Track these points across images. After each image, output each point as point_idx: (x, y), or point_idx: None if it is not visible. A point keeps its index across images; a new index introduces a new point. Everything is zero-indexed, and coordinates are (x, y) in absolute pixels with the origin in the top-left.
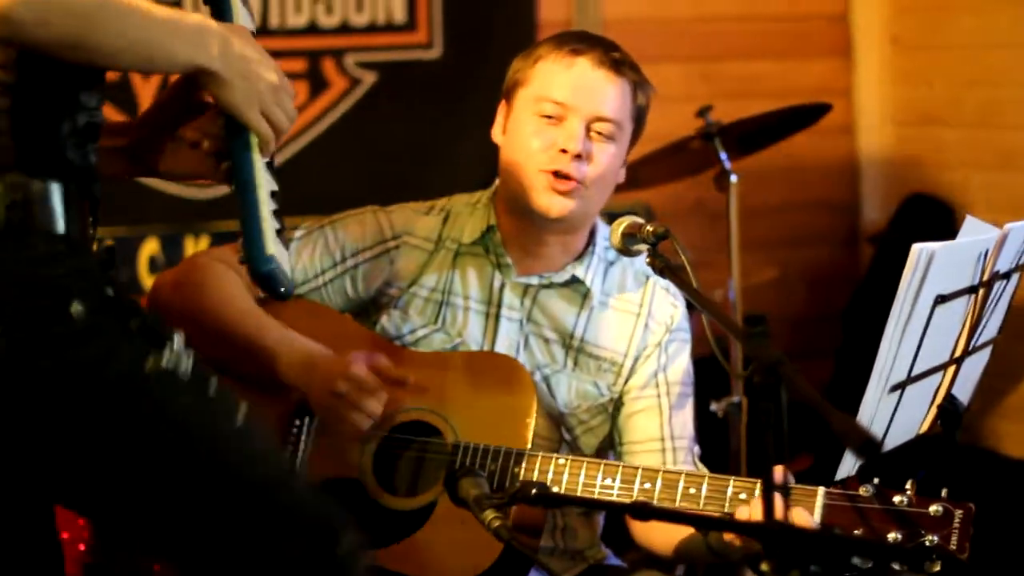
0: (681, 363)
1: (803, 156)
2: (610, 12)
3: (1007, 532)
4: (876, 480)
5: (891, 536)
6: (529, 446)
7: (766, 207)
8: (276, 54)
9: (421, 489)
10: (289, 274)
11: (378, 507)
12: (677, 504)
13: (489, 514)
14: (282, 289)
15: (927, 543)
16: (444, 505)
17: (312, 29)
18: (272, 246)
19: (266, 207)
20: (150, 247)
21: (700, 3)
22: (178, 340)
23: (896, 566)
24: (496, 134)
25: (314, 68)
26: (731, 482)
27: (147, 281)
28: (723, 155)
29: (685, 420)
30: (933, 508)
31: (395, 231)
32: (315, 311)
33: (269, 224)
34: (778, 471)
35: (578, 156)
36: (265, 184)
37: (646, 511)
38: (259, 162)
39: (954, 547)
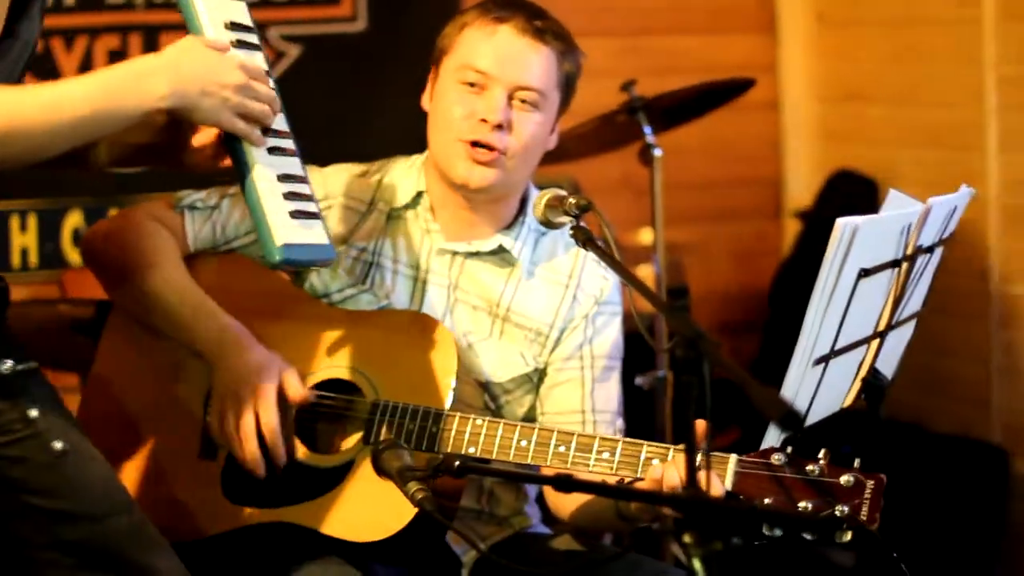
0: (608, 336)
1: (728, 132)
2: None
3: (931, 506)
4: (790, 449)
5: (802, 505)
6: (448, 406)
7: (691, 182)
8: (165, 27)
9: (340, 447)
10: (323, 243)
11: (297, 463)
12: (591, 467)
13: (412, 486)
14: (309, 264)
15: (837, 513)
16: (362, 464)
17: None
18: (282, 236)
19: (270, 198)
20: (74, 219)
21: None
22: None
23: (807, 535)
24: (424, 101)
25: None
26: (644, 447)
27: (71, 253)
28: (647, 129)
29: (608, 394)
30: (844, 478)
31: (328, 190)
32: (244, 267)
33: (275, 214)
34: (700, 427)
35: (499, 126)
36: (266, 174)
37: (568, 483)
38: (253, 155)
39: (864, 517)
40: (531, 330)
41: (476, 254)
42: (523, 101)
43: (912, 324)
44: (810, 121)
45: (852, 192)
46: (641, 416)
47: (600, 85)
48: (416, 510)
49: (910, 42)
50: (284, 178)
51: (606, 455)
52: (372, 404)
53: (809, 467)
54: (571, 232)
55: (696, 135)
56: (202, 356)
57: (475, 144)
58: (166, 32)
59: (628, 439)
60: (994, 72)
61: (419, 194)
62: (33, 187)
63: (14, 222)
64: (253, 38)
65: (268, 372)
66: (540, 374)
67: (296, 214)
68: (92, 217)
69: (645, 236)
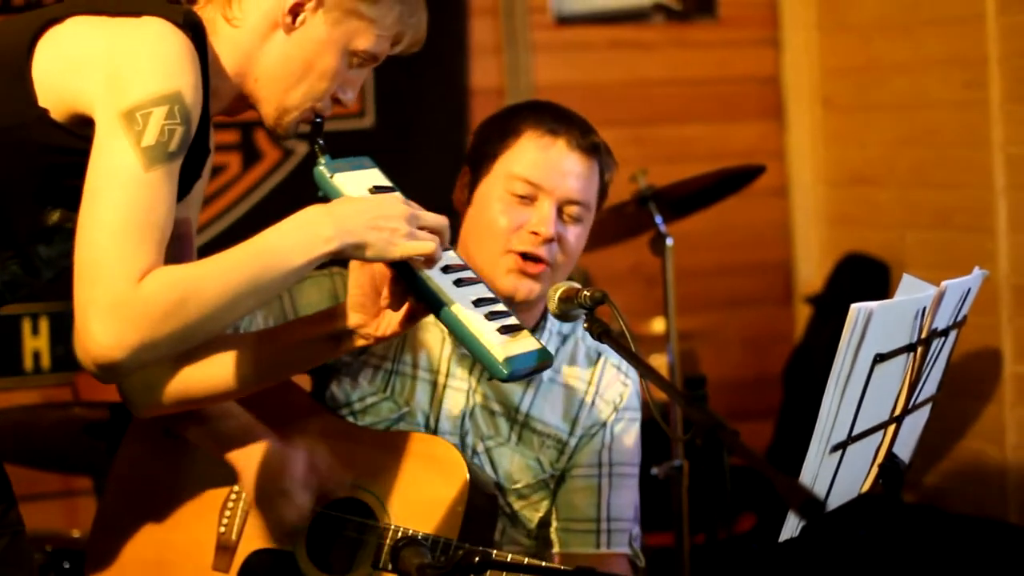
0: (626, 442)
1: (737, 219)
2: (541, 78)
3: None
4: None
5: None
6: (457, 537)
7: (701, 270)
8: None
9: (351, 569)
10: (538, 347)
11: None
12: None
13: None
14: (535, 371)
15: None
16: None
17: None
18: (501, 351)
19: (474, 319)
20: None
21: (631, 68)
22: None
23: None
24: (458, 200)
25: (247, 139)
26: None
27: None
28: (658, 218)
29: (625, 502)
30: None
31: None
32: None
33: (486, 333)
34: None
35: (549, 239)
36: (459, 298)
37: None
38: (439, 281)
39: None
40: (549, 436)
41: None
42: (570, 216)
43: (928, 407)
44: (819, 206)
45: (862, 275)
46: (657, 506)
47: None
48: None
49: (917, 125)
50: (478, 302)
51: None
52: (384, 528)
53: None
54: (585, 325)
55: (705, 223)
56: (225, 457)
57: (524, 256)
58: None
59: None
60: (1002, 152)
61: None
62: (44, 290)
63: (26, 325)
64: (398, 195)
65: (297, 454)
66: (556, 480)
67: (504, 329)
68: None
69: (658, 325)
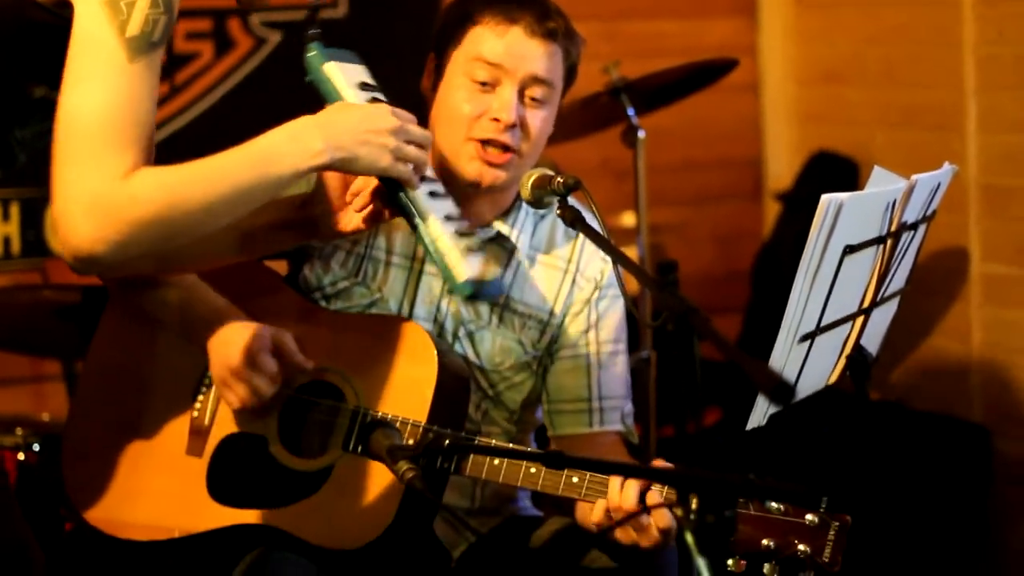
0: (611, 320)
1: (708, 115)
2: None
3: (913, 485)
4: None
5: (764, 543)
6: (426, 419)
7: (671, 165)
8: (181, 13)
9: (321, 451)
10: (497, 277)
11: (278, 466)
12: (560, 491)
13: (402, 465)
14: (489, 297)
15: (799, 553)
16: (341, 470)
17: None
18: (464, 271)
19: (444, 237)
20: None
21: None
22: None
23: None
24: (425, 86)
25: (219, 27)
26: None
27: (52, 241)
28: (630, 111)
29: (614, 379)
30: (809, 517)
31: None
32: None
33: (452, 252)
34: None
35: (512, 125)
36: (434, 214)
37: (560, 460)
38: (420, 200)
39: (826, 559)
40: (531, 317)
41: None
42: (533, 99)
43: (896, 301)
44: (789, 103)
45: (831, 173)
46: None
47: (581, 68)
48: (392, 518)
49: (889, 23)
50: (448, 219)
51: (576, 480)
52: (353, 411)
53: (773, 505)
54: (558, 211)
55: (676, 118)
56: (193, 338)
57: (487, 143)
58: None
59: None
60: (972, 53)
61: None
62: (15, 176)
63: None
64: (382, 96)
65: (263, 333)
66: (541, 361)
67: (467, 251)
68: None
69: (628, 219)
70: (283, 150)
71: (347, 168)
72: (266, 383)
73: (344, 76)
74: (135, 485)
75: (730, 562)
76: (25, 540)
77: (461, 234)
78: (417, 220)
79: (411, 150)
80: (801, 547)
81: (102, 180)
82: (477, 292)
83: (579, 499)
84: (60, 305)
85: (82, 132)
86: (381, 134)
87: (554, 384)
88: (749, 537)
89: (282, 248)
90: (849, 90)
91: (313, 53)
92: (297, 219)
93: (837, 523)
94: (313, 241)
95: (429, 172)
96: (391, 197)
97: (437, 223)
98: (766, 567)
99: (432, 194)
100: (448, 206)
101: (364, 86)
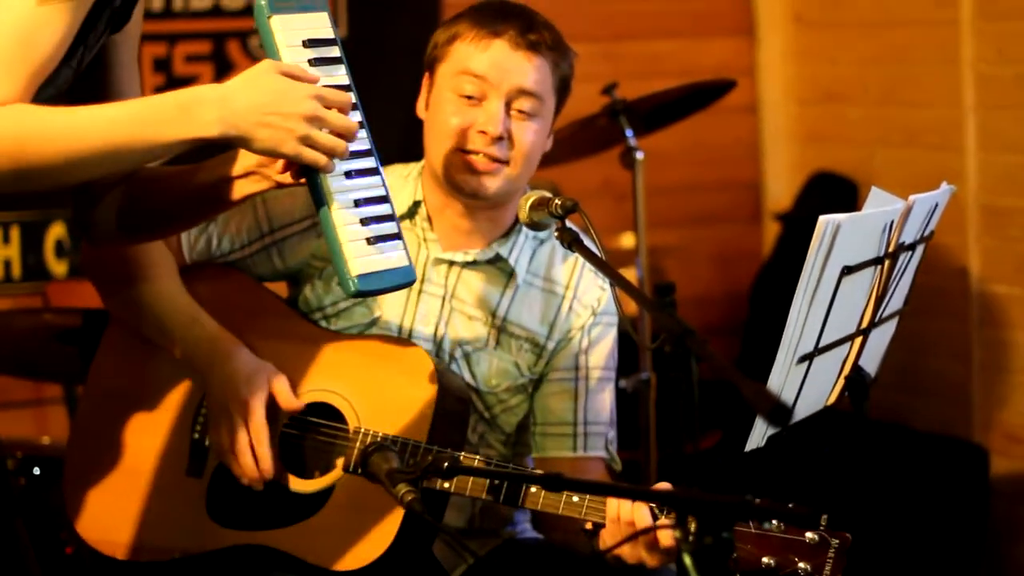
0: (604, 347)
1: (707, 136)
2: None
3: (912, 504)
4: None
5: (765, 561)
6: (426, 440)
7: (670, 186)
8: (181, 36)
9: (321, 473)
10: (402, 265)
11: (278, 487)
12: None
13: (402, 488)
14: (388, 290)
15: (799, 571)
16: (341, 492)
17: (216, 11)
18: (356, 266)
19: (344, 227)
20: (57, 231)
21: None
22: None
23: None
24: (420, 109)
25: (219, 50)
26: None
27: (54, 265)
28: (629, 132)
29: (601, 405)
30: (809, 535)
31: None
32: (238, 282)
33: (350, 244)
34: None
35: (499, 138)
36: (340, 202)
37: (559, 483)
38: (327, 184)
39: None
40: (527, 340)
41: (473, 263)
42: (521, 111)
43: (894, 322)
44: (789, 123)
45: (831, 193)
46: (625, 419)
47: (580, 89)
48: (392, 540)
49: (888, 43)
50: (362, 202)
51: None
52: (354, 432)
53: (773, 523)
54: (556, 233)
55: (675, 139)
56: (193, 365)
57: (475, 154)
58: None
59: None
60: (972, 71)
61: (416, 204)
62: (15, 199)
63: None
64: (334, 51)
65: (258, 379)
66: (535, 383)
67: (373, 240)
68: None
69: (627, 240)
70: (169, 116)
71: (243, 146)
72: (257, 441)
73: (287, 32)
74: (135, 507)
75: None
76: (27, 564)
77: (377, 218)
78: (322, 207)
79: (323, 138)
80: (801, 565)
81: None
82: (364, 289)
83: (580, 517)
84: (61, 329)
85: None
86: (289, 118)
87: (541, 406)
88: (749, 555)
89: (227, 202)
90: (848, 110)
91: (262, 2)
92: (235, 172)
93: (837, 541)
94: (252, 194)
95: (363, 145)
96: (302, 173)
97: (341, 210)
98: None
99: (349, 173)
100: (368, 186)
101: (310, 43)
